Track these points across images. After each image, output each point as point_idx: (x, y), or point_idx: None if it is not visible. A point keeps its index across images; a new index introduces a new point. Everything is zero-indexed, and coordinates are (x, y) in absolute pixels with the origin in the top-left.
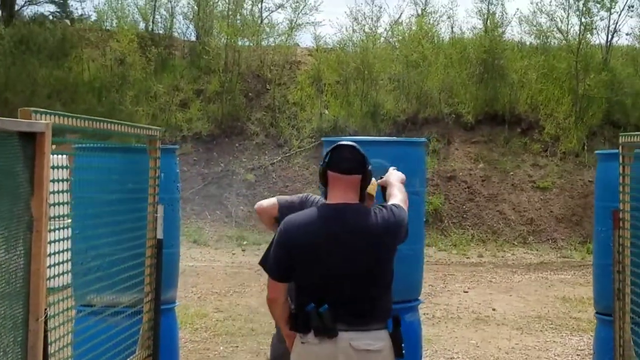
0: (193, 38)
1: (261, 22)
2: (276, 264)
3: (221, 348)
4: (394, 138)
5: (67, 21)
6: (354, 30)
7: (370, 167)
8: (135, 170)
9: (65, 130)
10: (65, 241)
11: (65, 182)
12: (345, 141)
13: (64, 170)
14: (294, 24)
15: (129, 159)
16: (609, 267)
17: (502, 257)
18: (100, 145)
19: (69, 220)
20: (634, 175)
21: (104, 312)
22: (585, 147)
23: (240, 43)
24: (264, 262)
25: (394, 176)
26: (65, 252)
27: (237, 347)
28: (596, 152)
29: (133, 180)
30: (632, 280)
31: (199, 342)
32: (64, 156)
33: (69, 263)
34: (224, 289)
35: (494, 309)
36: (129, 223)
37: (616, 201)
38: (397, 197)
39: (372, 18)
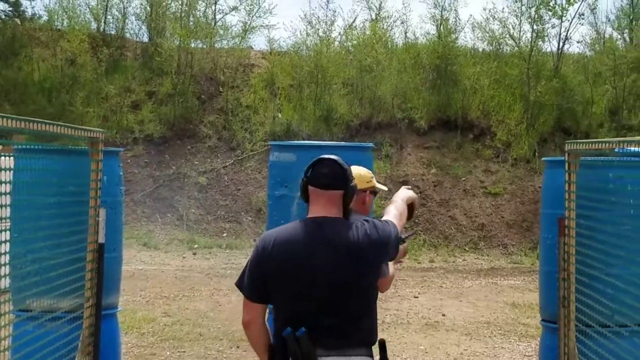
0: (145, 39)
1: (214, 24)
2: (250, 282)
3: (167, 353)
4: (342, 143)
5: (17, 20)
6: (308, 34)
7: (353, 183)
8: (77, 172)
9: (11, 132)
10: (3, 244)
11: (7, 185)
12: (330, 152)
13: (7, 172)
14: (247, 26)
15: (70, 161)
16: (554, 274)
17: (453, 262)
18: (40, 147)
19: (8, 223)
20: (580, 183)
21: (43, 317)
22: (537, 154)
23: (193, 45)
24: (239, 283)
25: (401, 194)
26: (3, 256)
27: (184, 352)
28: (543, 159)
29: (74, 183)
30: (577, 288)
31: (145, 347)
32: (8, 158)
33: (7, 267)
34: (173, 293)
35: (443, 315)
36: (70, 227)
37: (562, 208)
38: (390, 213)
39: (326, 22)
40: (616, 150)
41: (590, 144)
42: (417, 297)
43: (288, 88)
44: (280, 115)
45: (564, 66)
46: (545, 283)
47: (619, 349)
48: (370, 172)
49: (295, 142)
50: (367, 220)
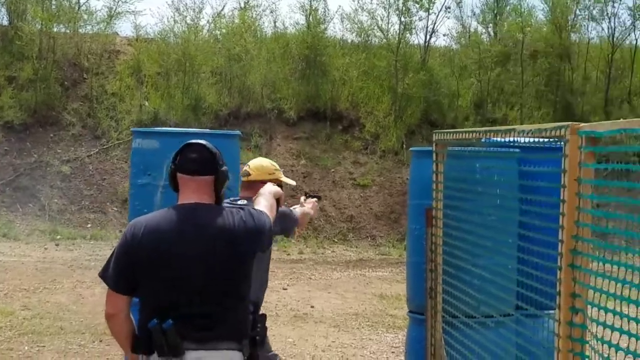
0: (5, 22)
1: (78, 8)
2: (117, 272)
3: (26, 348)
4: (206, 130)
5: None
6: (175, 21)
7: (225, 168)
8: None
9: None
10: None
11: None
12: (196, 139)
13: None
14: (113, 12)
15: None
16: (421, 265)
17: (322, 254)
18: None
19: None
20: (447, 174)
21: None
22: (404, 146)
23: (55, 29)
24: (103, 274)
25: (267, 188)
26: None
27: (44, 346)
28: (411, 149)
29: None
30: (444, 279)
31: (2, 341)
32: None
33: None
34: (33, 285)
35: (312, 306)
36: None
37: (429, 199)
38: (261, 204)
39: (194, 9)
40: (482, 140)
41: (457, 134)
42: (285, 289)
43: (155, 76)
44: (147, 103)
45: (431, 59)
46: (412, 274)
47: (484, 340)
48: (274, 164)
49: (159, 128)
50: (242, 208)
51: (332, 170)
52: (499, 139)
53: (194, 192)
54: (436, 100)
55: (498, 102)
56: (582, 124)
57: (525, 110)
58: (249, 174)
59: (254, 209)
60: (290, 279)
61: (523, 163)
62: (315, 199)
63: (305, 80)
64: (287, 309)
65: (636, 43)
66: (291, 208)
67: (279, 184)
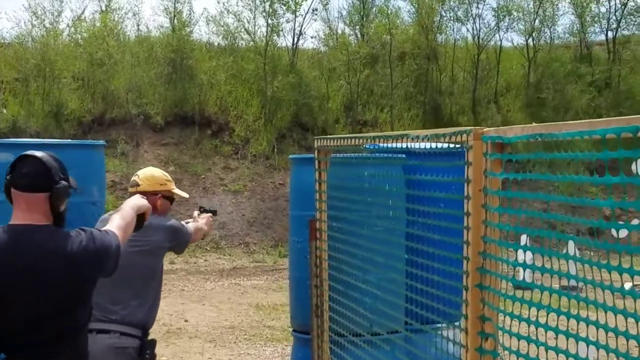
0: None
1: None
2: None
3: None
4: (68, 141)
5: None
6: (33, 25)
7: (62, 184)
8: None
9: None
10: None
11: None
12: (33, 150)
13: None
14: None
15: None
16: (305, 281)
17: (195, 263)
18: None
19: None
20: (331, 182)
21: None
22: (275, 150)
23: None
24: None
25: (131, 202)
26: None
27: None
28: (290, 157)
29: None
30: (331, 296)
31: None
32: None
33: None
34: None
35: (186, 321)
36: None
37: (312, 210)
38: (114, 222)
39: (52, 13)
40: (367, 146)
41: (340, 140)
42: None
43: (13, 82)
44: (4, 111)
45: (300, 61)
46: (295, 291)
47: (371, 359)
48: (166, 175)
49: (13, 140)
50: (84, 229)
51: (203, 176)
52: (382, 145)
53: (25, 210)
54: (306, 103)
55: (368, 104)
56: (487, 129)
57: (395, 111)
58: (137, 184)
59: (99, 230)
60: (162, 291)
61: (411, 171)
62: (209, 214)
63: (172, 84)
64: (159, 324)
65: (501, 44)
66: (184, 222)
67: (171, 196)
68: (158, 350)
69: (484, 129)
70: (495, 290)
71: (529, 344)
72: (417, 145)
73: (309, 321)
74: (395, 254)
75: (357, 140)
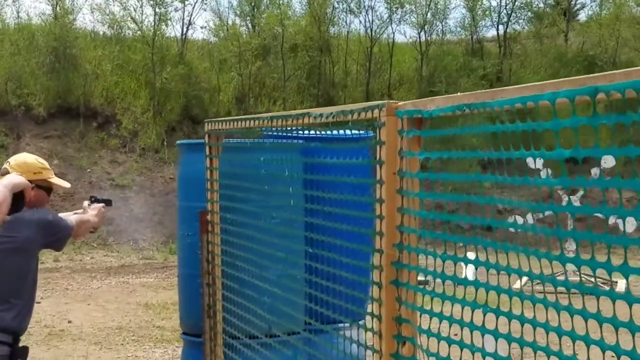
0: None
1: None
2: None
3: None
4: None
5: None
6: None
7: None
8: None
9: None
10: None
11: None
12: None
13: None
14: None
15: None
16: (196, 278)
17: (81, 260)
18: None
19: None
20: (224, 170)
21: None
22: (165, 143)
23: None
24: None
25: (6, 180)
26: None
27: None
28: (178, 142)
29: None
30: (224, 295)
31: None
32: None
33: None
34: None
35: (69, 322)
36: None
37: (203, 201)
38: None
39: None
40: (263, 130)
41: (233, 123)
42: (39, 303)
43: None
44: None
45: (189, 52)
46: (185, 289)
47: None
48: (42, 162)
49: None
50: None
51: (88, 170)
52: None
53: None
54: (197, 95)
55: (260, 96)
56: (402, 102)
57: (287, 104)
58: (7, 172)
59: None
60: (45, 290)
61: (310, 155)
62: (102, 204)
63: (55, 74)
64: (40, 326)
65: (394, 36)
66: (72, 213)
67: (48, 186)
68: (38, 354)
69: (399, 103)
70: (415, 287)
71: (450, 346)
72: (318, 132)
73: (200, 323)
74: (294, 248)
75: (251, 122)
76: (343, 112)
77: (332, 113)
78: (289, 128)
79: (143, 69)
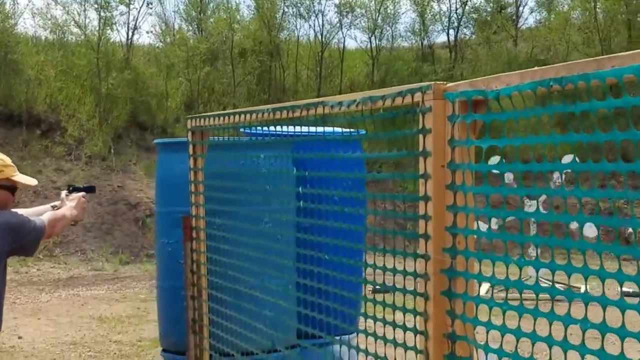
0: None
1: None
2: None
3: None
4: None
5: None
6: None
7: None
8: None
9: None
10: None
11: None
12: None
13: None
14: None
15: None
16: (179, 291)
17: (27, 273)
18: None
19: None
20: (209, 170)
21: None
22: (112, 150)
23: None
24: None
25: None
26: None
27: None
28: (155, 141)
29: None
30: (211, 307)
31: None
32: None
33: None
34: None
35: (20, 337)
36: None
37: (185, 205)
38: None
39: None
40: (244, 130)
41: (222, 118)
42: None
43: None
44: None
45: (135, 57)
46: (165, 303)
47: None
48: (4, 159)
49: None
50: None
51: (19, 185)
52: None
53: None
54: (144, 101)
55: (209, 102)
56: (451, 84)
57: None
58: None
59: None
60: None
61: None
62: (82, 193)
63: None
64: None
65: (344, 41)
66: (49, 205)
67: (12, 185)
68: None
69: (447, 84)
70: (476, 299)
71: None
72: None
73: (183, 339)
74: (287, 253)
75: (244, 116)
76: (371, 98)
77: (355, 100)
78: (277, 128)
79: (88, 74)
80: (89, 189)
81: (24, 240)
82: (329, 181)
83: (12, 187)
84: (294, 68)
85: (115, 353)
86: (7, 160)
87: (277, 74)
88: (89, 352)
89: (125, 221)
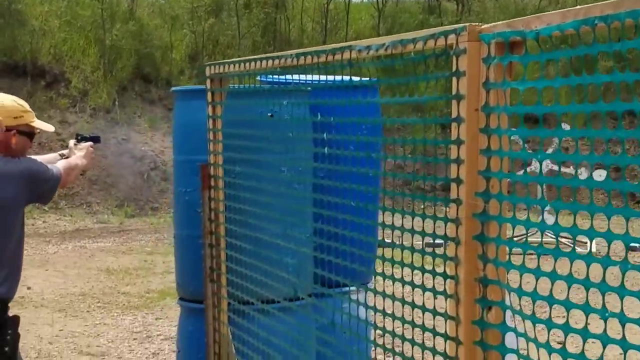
0: None
1: None
2: None
3: None
4: None
5: None
6: None
7: None
8: None
9: None
10: None
11: None
12: None
13: None
14: None
15: None
16: (196, 239)
17: (33, 225)
18: None
19: None
20: (228, 118)
21: None
22: (117, 103)
23: None
24: None
25: None
26: None
27: None
28: (173, 89)
29: None
30: (229, 255)
31: None
32: None
33: None
34: None
35: (29, 288)
36: None
37: (203, 153)
38: None
39: None
40: (261, 78)
41: (243, 64)
42: None
43: None
44: None
45: (139, 8)
46: (183, 252)
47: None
48: (23, 104)
49: None
50: None
51: (37, 131)
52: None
53: None
54: (148, 53)
55: (214, 54)
56: (486, 25)
57: None
58: None
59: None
60: None
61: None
62: (89, 143)
63: (1, 30)
64: None
65: None
66: (57, 154)
67: (30, 131)
68: None
69: (483, 26)
70: (509, 242)
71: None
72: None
73: (201, 287)
74: (305, 202)
75: (266, 62)
76: (402, 41)
77: (384, 44)
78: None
79: (92, 25)
80: (95, 139)
81: (43, 189)
82: (347, 128)
83: (30, 133)
84: (299, 20)
85: (124, 304)
86: (26, 105)
87: (282, 26)
88: (98, 303)
89: (130, 174)
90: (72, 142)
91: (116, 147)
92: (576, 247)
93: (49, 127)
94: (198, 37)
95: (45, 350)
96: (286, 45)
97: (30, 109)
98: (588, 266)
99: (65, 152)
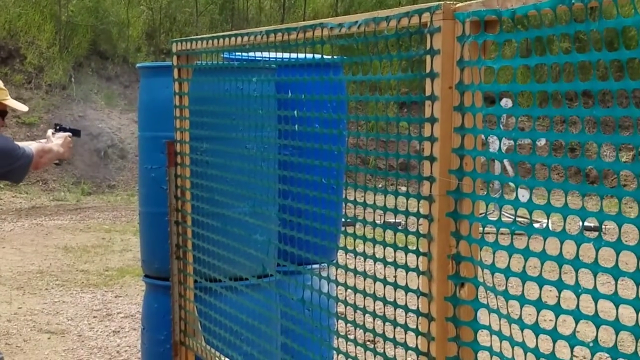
0: None
1: None
2: None
3: None
4: None
5: None
6: None
7: None
8: None
9: None
10: None
11: None
12: None
13: None
14: None
15: None
16: (162, 217)
17: None
18: None
19: None
20: (194, 95)
21: None
22: (73, 79)
23: None
24: None
25: None
26: None
27: None
28: (138, 65)
29: None
30: (195, 232)
31: None
32: None
33: None
34: None
35: None
36: None
37: (169, 130)
38: None
39: None
40: (225, 55)
41: (210, 41)
42: None
43: None
44: None
45: None
46: (148, 229)
47: (253, 304)
48: None
49: None
50: None
51: (9, 109)
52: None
53: None
54: (105, 30)
55: (171, 32)
56: (461, 4)
57: None
58: None
59: None
60: None
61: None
62: (68, 134)
63: None
64: None
65: None
66: (35, 142)
67: (2, 109)
68: None
69: (457, 4)
70: (482, 219)
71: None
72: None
73: (166, 265)
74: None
75: (236, 39)
76: (375, 19)
77: (357, 22)
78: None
79: (48, 1)
80: (75, 132)
81: (13, 166)
82: (313, 105)
83: (2, 112)
84: None
85: (82, 282)
86: (0, 83)
87: (240, 3)
88: (56, 280)
89: (86, 151)
90: (50, 131)
91: (72, 125)
92: (533, 224)
93: (22, 107)
94: (155, 14)
95: (3, 328)
96: (244, 23)
97: (3, 87)
98: (561, 244)
99: (43, 141)
